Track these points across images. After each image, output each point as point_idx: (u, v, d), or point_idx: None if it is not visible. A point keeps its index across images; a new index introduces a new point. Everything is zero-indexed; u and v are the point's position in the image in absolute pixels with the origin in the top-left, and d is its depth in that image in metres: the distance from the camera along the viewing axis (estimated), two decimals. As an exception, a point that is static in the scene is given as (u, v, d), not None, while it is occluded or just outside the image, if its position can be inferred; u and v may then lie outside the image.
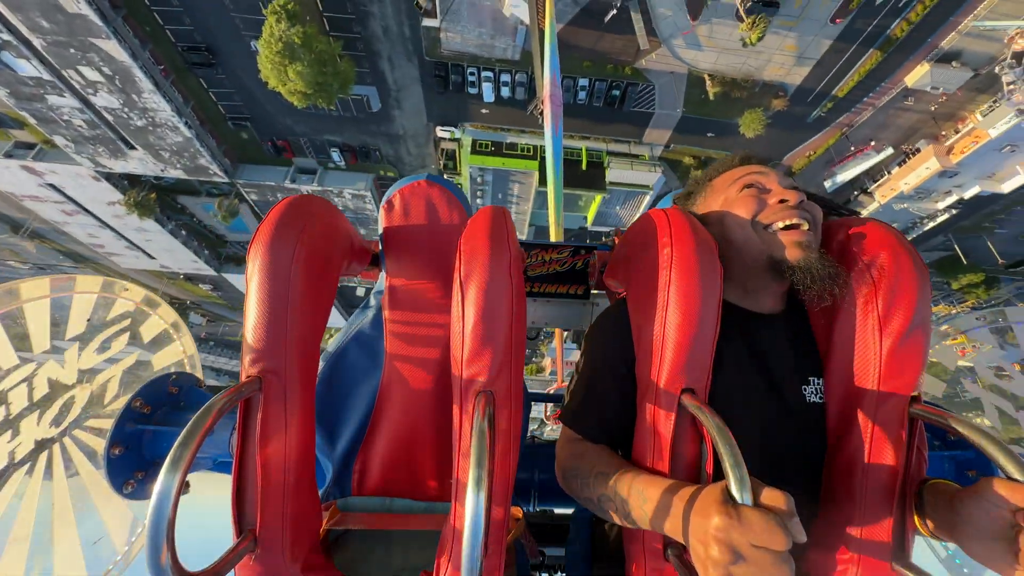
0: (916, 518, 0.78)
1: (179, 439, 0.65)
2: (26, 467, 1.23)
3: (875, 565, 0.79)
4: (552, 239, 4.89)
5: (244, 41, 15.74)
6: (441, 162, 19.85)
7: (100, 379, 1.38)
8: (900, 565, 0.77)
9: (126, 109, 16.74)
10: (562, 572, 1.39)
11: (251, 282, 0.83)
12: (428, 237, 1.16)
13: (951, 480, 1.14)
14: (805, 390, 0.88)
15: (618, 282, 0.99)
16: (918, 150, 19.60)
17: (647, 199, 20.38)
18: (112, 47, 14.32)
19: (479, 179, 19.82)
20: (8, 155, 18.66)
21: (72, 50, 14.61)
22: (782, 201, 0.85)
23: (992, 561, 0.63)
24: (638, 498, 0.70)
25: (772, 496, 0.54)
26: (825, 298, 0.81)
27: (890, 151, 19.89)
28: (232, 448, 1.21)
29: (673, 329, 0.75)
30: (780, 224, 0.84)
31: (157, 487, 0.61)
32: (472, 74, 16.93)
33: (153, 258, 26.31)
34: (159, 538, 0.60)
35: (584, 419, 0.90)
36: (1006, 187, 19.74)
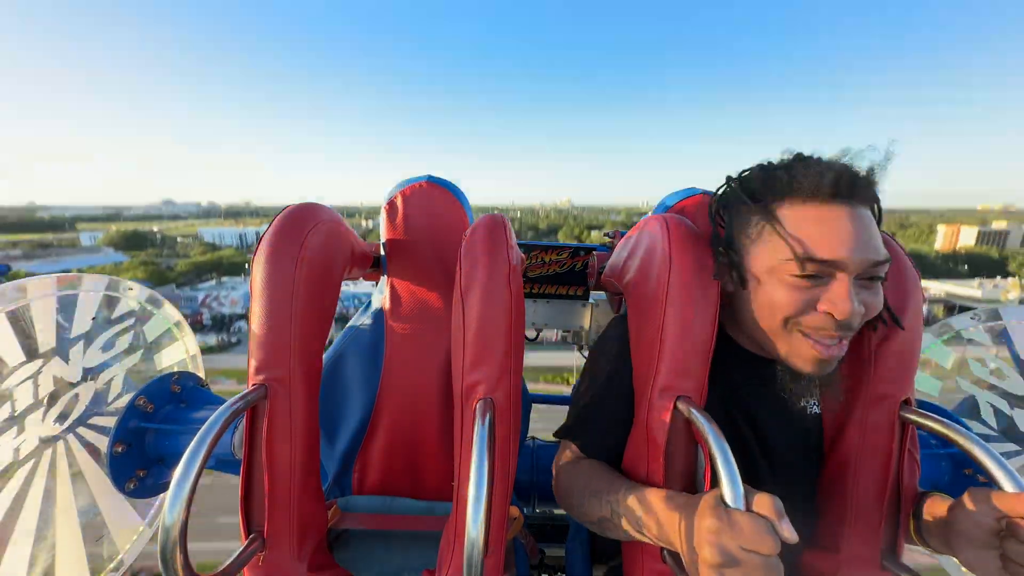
0: (914, 532, 0.79)
1: (189, 449, 0.67)
2: (30, 464, 1.24)
3: (867, 566, 0.80)
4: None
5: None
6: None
7: (104, 377, 1.38)
8: (891, 566, 0.78)
9: None
10: (562, 572, 1.40)
11: (255, 292, 0.85)
12: (429, 238, 1.17)
13: (948, 477, 1.15)
14: (807, 401, 0.88)
15: (617, 284, 1.00)
16: None
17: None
18: None
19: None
20: None
21: None
22: (830, 312, 0.68)
23: (984, 569, 0.64)
24: (634, 512, 0.70)
25: (761, 501, 0.55)
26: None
27: None
28: (234, 448, 1.22)
29: (669, 337, 0.76)
30: (813, 335, 0.71)
31: (169, 494, 0.64)
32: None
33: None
34: (172, 543, 0.63)
35: (583, 435, 0.90)
36: None
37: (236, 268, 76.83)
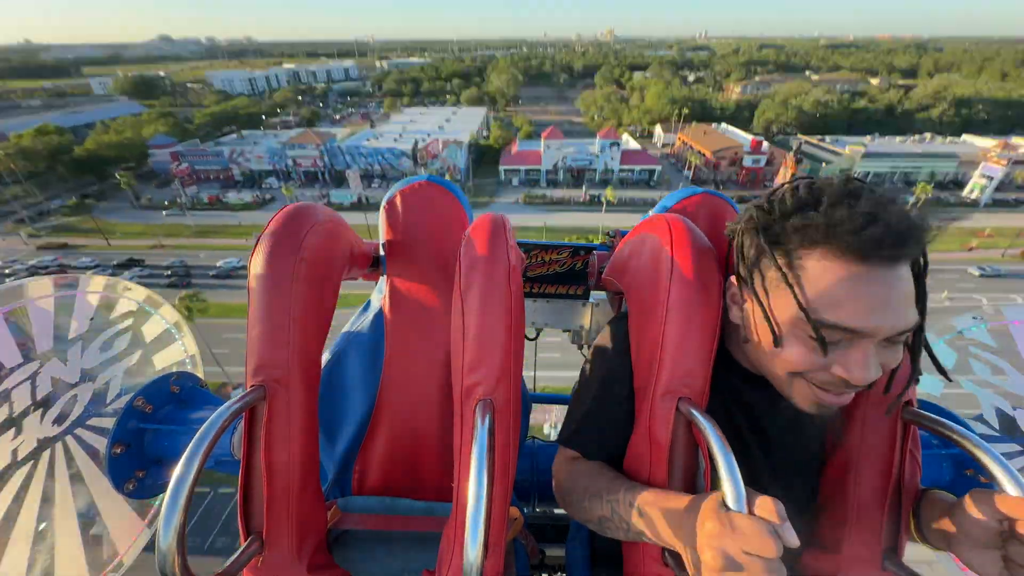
0: (914, 529, 0.79)
1: (187, 450, 0.67)
2: (28, 465, 1.24)
3: (868, 566, 0.80)
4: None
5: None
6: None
7: (102, 378, 1.38)
8: (892, 566, 0.78)
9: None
10: (562, 572, 1.39)
11: (253, 292, 0.84)
12: (429, 238, 1.17)
13: (950, 478, 1.15)
14: None
15: (617, 283, 1.00)
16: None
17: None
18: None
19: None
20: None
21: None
22: (845, 378, 0.63)
23: (984, 569, 0.64)
24: (635, 512, 0.70)
25: (763, 504, 0.55)
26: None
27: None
28: (232, 449, 1.22)
29: (671, 338, 0.75)
30: (819, 388, 0.67)
31: (168, 495, 0.63)
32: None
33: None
34: (170, 545, 0.63)
35: (582, 437, 0.89)
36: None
37: (253, 120, 75.20)
